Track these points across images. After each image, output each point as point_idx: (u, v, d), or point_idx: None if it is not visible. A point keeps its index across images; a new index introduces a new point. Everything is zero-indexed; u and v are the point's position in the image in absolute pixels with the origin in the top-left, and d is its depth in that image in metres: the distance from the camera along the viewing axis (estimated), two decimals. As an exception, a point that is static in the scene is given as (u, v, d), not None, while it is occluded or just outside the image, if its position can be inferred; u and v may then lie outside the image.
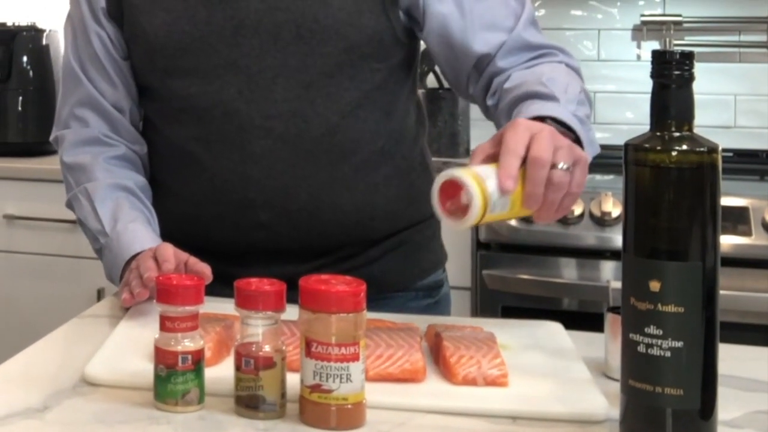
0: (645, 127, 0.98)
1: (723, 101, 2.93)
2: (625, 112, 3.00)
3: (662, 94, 0.96)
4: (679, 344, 0.93)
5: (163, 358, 1.04)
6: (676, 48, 2.89)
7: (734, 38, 2.93)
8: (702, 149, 0.95)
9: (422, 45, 1.55)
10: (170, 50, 1.45)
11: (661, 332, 0.93)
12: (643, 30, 2.98)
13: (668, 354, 0.93)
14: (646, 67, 1.00)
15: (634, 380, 0.95)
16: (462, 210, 1.06)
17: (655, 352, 0.94)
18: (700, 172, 0.94)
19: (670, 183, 0.94)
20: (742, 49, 2.93)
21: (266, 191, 1.45)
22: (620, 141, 1.03)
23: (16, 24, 3.08)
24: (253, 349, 1.02)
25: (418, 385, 1.09)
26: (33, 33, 3.04)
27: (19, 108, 3.00)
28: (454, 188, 1.07)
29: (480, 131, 2.74)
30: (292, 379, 1.03)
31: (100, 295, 2.72)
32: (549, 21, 3.00)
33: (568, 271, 2.43)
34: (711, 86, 2.90)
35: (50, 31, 3.06)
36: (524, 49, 1.42)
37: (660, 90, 0.97)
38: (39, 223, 2.83)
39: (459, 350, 1.12)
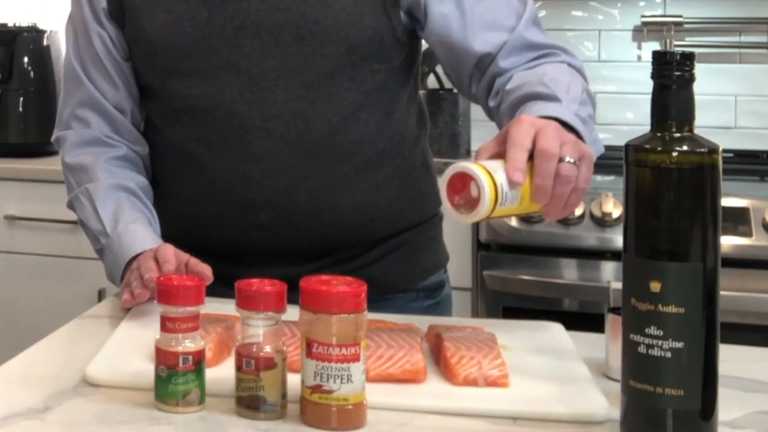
0: (645, 127, 0.98)
1: (723, 102, 2.93)
2: (625, 112, 3.00)
3: (663, 94, 0.97)
4: (679, 345, 0.93)
5: (163, 359, 1.04)
6: (676, 49, 2.89)
7: (735, 39, 2.93)
8: (702, 150, 0.95)
9: (423, 46, 1.55)
10: (171, 51, 1.45)
11: (661, 333, 0.93)
12: (643, 31, 2.98)
13: (669, 354, 0.93)
14: (647, 67, 1.00)
15: (635, 381, 0.95)
16: (471, 203, 1.06)
17: (655, 352, 0.94)
18: (701, 173, 0.94)
19: (671, 184, 0.94)
20: (742, 50, 2.93)
21: (267, 192, 1.45)
22: (621, 142, 1.03)
23: (17, 25, 3.08)
24: (254, 349, 1.02)
25: (419, 386, 1.09)
26: (34, 34, 3.04)
27: (20, 109, 3.01)
28: (462, 182, 1.06)
29: (481, 132, 2.74)
30: (293, 380, 1.03)
31: (101, 295, 2.72)
32: (550, 22, 3.00)
33: (569, 271, 2.43)
34: (711, 87, 2.90)
35: (51, 31, 3.06)
36: (526, 49, 1.41)
37: (660, 91, 0.97)
38: (40, 223, 2.83)
39: (460, 351, 1.12)
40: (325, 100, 1.43)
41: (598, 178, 2.63)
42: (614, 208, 2.38)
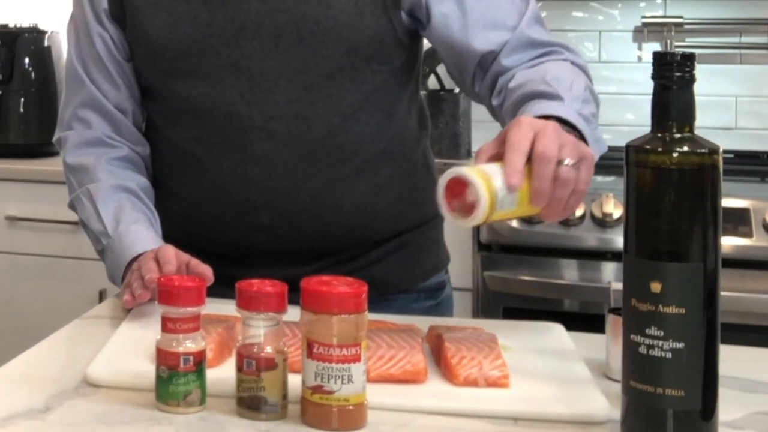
0: (646, 128, 0.98)
1: (724, 103, 2.93)
2: (626, 113, 3.00)
3: (663, 95, 0.97)
4: (680, 345, 0.93)
5: (164, 359, 1.04)
6: (677, 49, 2.89)
7: (735, 40, 2.93)
8: (703, 150, 0.95)
9: (425, 46, 1.55)
10: (172, 52, 1.45)
11: (662, 333, 0.93)
12: (644, 31, 2.98)
13: (669, 355, 0.93)
14: (647, 68, 1.00)
15: (635, 381, 0.95)
16: (468, 208, 1.05)
17: (656, 353, 0.94)
18: (701, 174, 0.94)
19: (671, 184, 0.94)
20: (743, 51, 2.93)
21: (267, 193, 1.45)
22: (621, 142, 1.03)
23: (18, 25, 3.08)
24: (255, 350, 1.02)
25: (420, 386, 1.09)
26: (35, 34, 3.04)
27: (21, 109, 3.01)
28: (459, 186, 1.05)
29: (481, 132, 2.74)
30: (294, 381, 1.03)
31: (102, 296, 2.72)
32: (550, 22, 2.98)
33: (570, 272, 2.43)
34: (712, 88, 2.90)
35: (52, 32, 3.07)
36: (529, 47, 1.41)
37: (661, 91, 0.97)
38: (41, 224, 2.83)
39: (460, 351, 1.12)
40: (325, 100, 1.43)
41: (599, 178, 2.63)
42: (615, 209, 2.38)
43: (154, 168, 1.58)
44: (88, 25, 1.52)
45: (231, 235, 1.49)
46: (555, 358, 1.19)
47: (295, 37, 1.41)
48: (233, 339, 1.18)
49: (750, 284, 2.31)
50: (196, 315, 1.05)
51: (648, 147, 0.96)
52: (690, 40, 2.94)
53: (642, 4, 3.00)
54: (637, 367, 0.95)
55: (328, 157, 1.45)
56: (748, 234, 2.32)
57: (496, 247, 2.50)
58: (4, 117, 3.00)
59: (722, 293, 0.95)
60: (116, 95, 1.54)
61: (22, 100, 3.00)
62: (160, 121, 1.55)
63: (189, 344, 1.04)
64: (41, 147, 2.97)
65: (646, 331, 0.94)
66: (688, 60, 0.96)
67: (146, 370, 1.10)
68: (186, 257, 1.36)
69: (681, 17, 2.93)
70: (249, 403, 1.02)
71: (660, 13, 2.98)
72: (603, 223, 2.39)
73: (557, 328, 1.30)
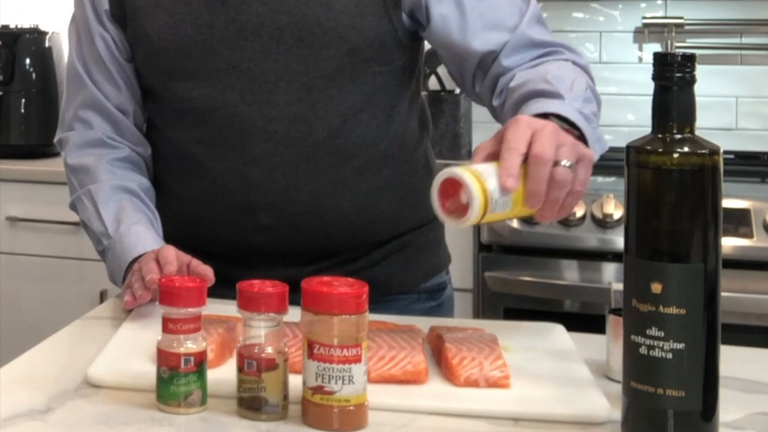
0: (646, 129, 0.98)
1: (724, 103, 2.94)
2: (626, 114, 3.00)
3: (664, 96, 0.97)
4: (680, 346, 0.93)
5: (165, 360, 1.04)
6: (677, 50, 2.89)
7: (736, 40, 2.93)
8: (703, 151, 0.95)
9: (425, 47, 1.55)
10: (172, 53, 1.46)
11: (662, 334, 0.94)
12: (644, 32, 2.98)
13: (670, 356, 0.93)
14: (648, 69, 1.00)
15: (636, 382, 0.95)
16: (462, 209, 1.04)
17: (656, 353, 0.94)
18: (702, 174, 0.94)
19: (672, 185, 0.94)
20: (743, 52, 2.93)
21: (268, 194, 1.45)
22: (622, 143, 1.02)
23: (19, 26, 3.08)
24: (256, 350, 1.02)
25: (420, 387, 1.10)
26: (36, 35, 3.05)
27: (22, 110, 3.01)
28: (453, 187, 1.04)
29: (482, 133, 2.74)
30: (295, 381, 1.03)
31: (102, 296, 2.72)
32: (551, 23, 2.97)
33: (570, 272, 2.44)
34: (712, 88, 2.90)
35: (53, 33, 3.07)
36: (529, 47, 1.40)
37: (661, 92, 0.97)
38: (42, 225, 2.84)
39: (461, 352, 1.12)
40: (326, 102, 1.43)
41: (599, 179, 2.63)
42: (615, 210, 2.38)
43: (155, 169, 1.58)
44: (89, 25, 1.53)
45: (231, 236, 1.49)
46: (556, 358, 1.19)
47: (295, 39, 1.41)
48: (234, 339, 1.19)
49: (750, 285, 2.31)
50: (196, 315, 1.05)
51: (648, 148, 0.96)
52: (690, 41, 2.94)
53: (642, 5, 3.00)
54: (638, 368, 0.95)
55: (329, 158, 1.45)
56: (749, 235, 2.33)
57: (496, 248, 2.51)
58: (5, 118, 3.00)
59: (723, 294, 0.95)
60: (117, 96, 1.54)
61: (23, 100, 3.00)
62: (160, 122, 1.55)
63: (190, 345, 1.04)
64: (42, 148, 2.98)
65: (647, 331, 0.94)
66: (689, 61, 0.96)
67: (147, 370, 1.10)
68: (187, 258, 1.36)
69: (681, 18, 2.93)
70: (250, 404, 1.02)
71: (660, 13, 2.98)
72: (603, 223, 2.39)
73: (558, 329, 1.30)
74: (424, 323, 1.28)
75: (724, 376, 0.97)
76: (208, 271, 1.32)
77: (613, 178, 2.62)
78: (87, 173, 1.53)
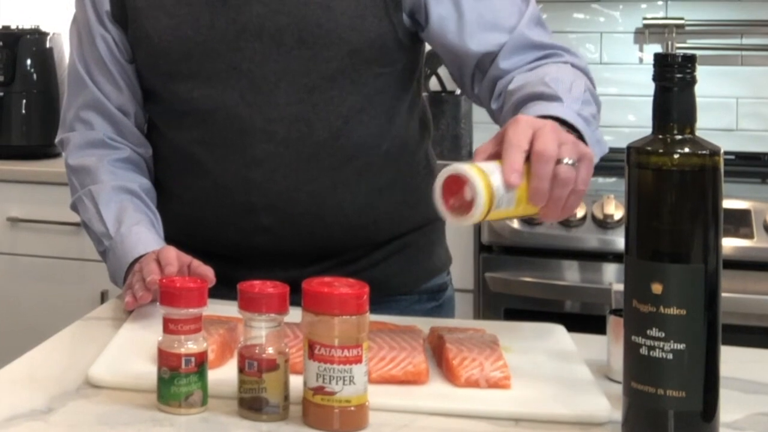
0: (647, 129, 0.98)
1: (725, 104, 2.94)
2: (627, 114, 3.00)
3: (664, 97, 0.97)
4: (681, 346, 0.93)
5: (166, 361, 1.04)
6: (678, 51, 2.89)
7: (736, 41, 2.94)
8: (704, 152, 0.95)
9: (426, 48, 1.55)
10: (173, 54, 1.46)
11: (663, 334, 0.94)
12: (645, 33, 2.98)
13: (670, 356, 0.93)
14: (648, 70, 1.00)
15: (637, 382, 0.96)
16: (466, 206, 1.03)
17: (657, 354, 0.94)
18: (702, 175, 0.94)
19: (672, 186, 0.94)
20: (744, 52, 2.93)
21: (269, 195, 1.45)
22: (622, 144, 1.02)
23: (20, 27, 3.08)
24: (257, 351, 1.02)
25: (421, 387, 1.10)
26: (37, 36, 3.05)
27: (23, 111, 3.01)
28: (457, 184, 1.03)
29: (483, 134, 2.74)
30: (295, 382, 1.03)
31: (103, 297, 2.72)
32: (551, 24, 2.97)
33: (571, 273, 2.44)
34: (713, 89, 2.90)
35: (54, 34, 3.07)
36: (528, 49, 1.40)
37: (662, 93, 0.97)
38: (43, 225, 2.84)
39: (462, 352, 1.12)
40: (326, 103, 1.43)
41: (600, 180, 2.63)
42: (616, 210, 2.38)
43: (156, 170, 1.58)
44: (91, 26, 1.53)
45: (232, 237, 1.49)
46: (556, 359, 1.19)
47: (296, 40, 1.41)
48: (235, 340, 1.19)
49: (751, 285, 2.31)
50: (197, 316, 1.05)
51: (649, 148, 0.96)
52: (691, 42, 2.94)
53: (643, 6, 3.00)
54: (638, 368, 0.95)
55: (330, 159, 1.45)
56: (749, 235, 2.33)
57: (497, 249, 2.51)
58: (6, 118, 3.00)
59: (723, 294, 0.96)
60: (118, 97, 1.54)
61: (24, 101, 3.01)
62: (161, 122, 1.55)
63: (191, 345, 1.04)
64: (43, 148, 2.98)
65: (647, 332, 0.94)
66: (689, 61, 0.96)
67: (148, 371, 1.10)
68: (187, 259, 1.36)
69: (682, 19, 2.93)
70: (250, 404, 1.03)
71: (661, 14, 2.98)
72: (604, 224, 2.39)
73: (558, 330, 1.30)
74: (424, 324, 1.28)
75: (724, 376, 0.97)
76: (208, 272, 1.32)
77: (613, 179, 2.62)
78: (88, 174, 1.53)
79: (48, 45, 3.05)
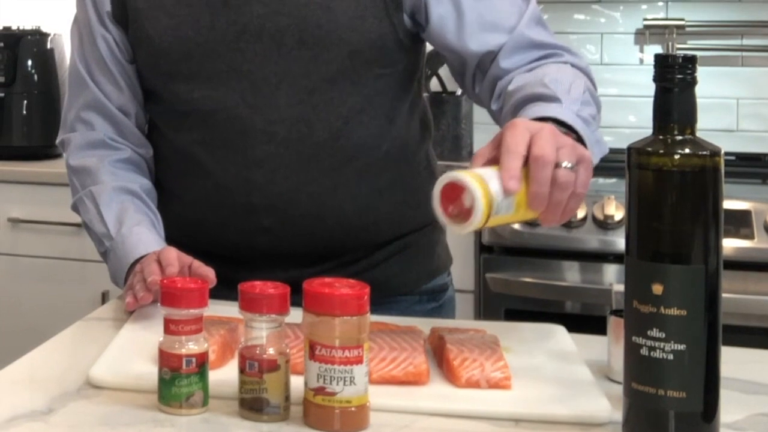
0: (648, 130, 0.98)
1: (725, 105, 2.94)
2: (627, 115, 3.00)
3: (665, 97, 0.97)
4: (681, 347, 0.93)
5: (167, 361, 1.04)
6: (678, 52, 2.89)
7: (737, 42, 2.94)
8: (704, 153, 0.95)
9: (427, 49, 1.55)
10: (174, 55, 1.46)
11: (663, 335, 0.94)
12: (645, 34, 2.98)
13: (671, 357, 0.93)
14: (649, 70, 1.01)
15: (637, 383, 0.96)
16: (465, 214, 1.02)
17: (657, 354, 0.94)
18: (703, 176, 0.94)
19: (673, 186, 0.94)
20: (744, 53, 2.93)
21: (269, 196, 1.45)
22: (623, 144, 1.02)
23: (21, 28, 3.09)
24: (257, 351, 1.02)
25: (422, 388, 1.10)
26: (38, 37, 3.05)
27: (24, 111, 3.01)
28: (455, 191, 1.03)
29: (483, 134, 2.75)
30: (296, 382, 1.03)
31: (104, 298, 2.72)
32: (552, 25, 2.96)
33: (571, 274, 2.44)
34: (713, 90, 2.91)
35: (55, 34, 3.07)
36: (528, 48, 1.39)
37: (663, 93, 0.97)
38: (43, 226, 2.84)
39: (462, 353, 1.12)
40: (327, 104, 1.43)
41: (600, 180, 2.64)
42: (616, 211, 2.38)
43: (157, 170, 1.58)
44: (91, 27, 1.53)
45: (233, 238, 1.49)
46: (557, 359, 1.19)
47: (296, 41, 1.41)
48: (236, 341, 1.19)
49: (751, 286, 2.31)
50: (198, 317, 1.05)
51: (649, 149, 0.96)
52: (691, 43, 2.94)
53: (644, 7, 3.00)
54: (639, 369, 0.95)
55: (330, 160, 1.45)
56: (750, 236, 2.33)
57: (497, 249, 2.51)
58: (7, 119, 3.00)
59: (724, 295, 0.96)
60: (119, 97, 1.54)
61: (25, 102, 3.01)
62: (162, 123, 1.55)
63: (191, 346, 1.04)
64: (44, 149, 2.98)
65: (648, 332, 0.94)
66: (690, 62, 0.96)
67: (149, 371, 1.10)
68: (188, 259, 1.36)
69: (682, 20, 2.93)
70: (251, 405, 1.03)
71: (662, 15, 2.99)
72: (604, 225, 2.39)
73: (559, 330, 1.30)
74: (425, 324, 1.28)
75: (725, 377, 0.97)
76: (209, 273, 1.32)
77: (614, 180, 2.62)
78: (89, 174, 1.53)
79: (49, 46, 3.05)
